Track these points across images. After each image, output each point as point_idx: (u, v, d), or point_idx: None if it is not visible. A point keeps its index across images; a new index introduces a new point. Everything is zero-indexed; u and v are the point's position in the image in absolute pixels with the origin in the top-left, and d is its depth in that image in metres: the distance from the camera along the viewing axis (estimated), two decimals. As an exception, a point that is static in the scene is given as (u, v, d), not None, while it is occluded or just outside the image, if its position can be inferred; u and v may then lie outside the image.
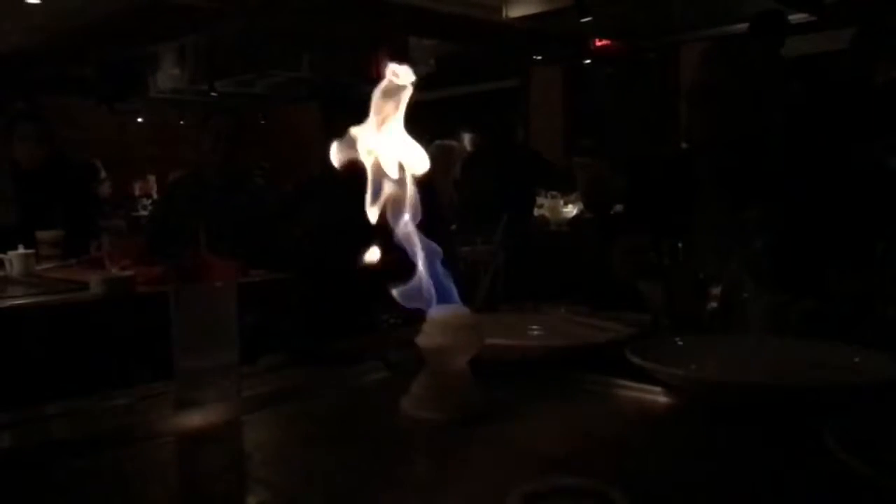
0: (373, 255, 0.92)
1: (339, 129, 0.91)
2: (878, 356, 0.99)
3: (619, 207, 4.19)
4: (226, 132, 3.32)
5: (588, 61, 7.17)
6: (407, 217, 0.92)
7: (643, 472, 0.78)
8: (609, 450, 0.87)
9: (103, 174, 7.20)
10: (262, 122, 9.01)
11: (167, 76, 7.68)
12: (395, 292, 0.93)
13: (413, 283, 0.93)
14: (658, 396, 1.00)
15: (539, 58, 7.43)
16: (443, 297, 0.93)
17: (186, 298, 1.00)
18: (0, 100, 6.28)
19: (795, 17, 4.49)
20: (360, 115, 0.92)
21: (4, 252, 2.85)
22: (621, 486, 0.66)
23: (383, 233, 0.91)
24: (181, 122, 8.67)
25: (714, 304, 1.28)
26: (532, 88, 7.83)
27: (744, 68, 1.89)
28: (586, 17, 4.88)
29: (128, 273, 2.46)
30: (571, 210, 5.39)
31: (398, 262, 0.91)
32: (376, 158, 0.91)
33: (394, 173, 0.91)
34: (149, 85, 7.79)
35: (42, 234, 3.15)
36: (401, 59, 0.94)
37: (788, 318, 1.23)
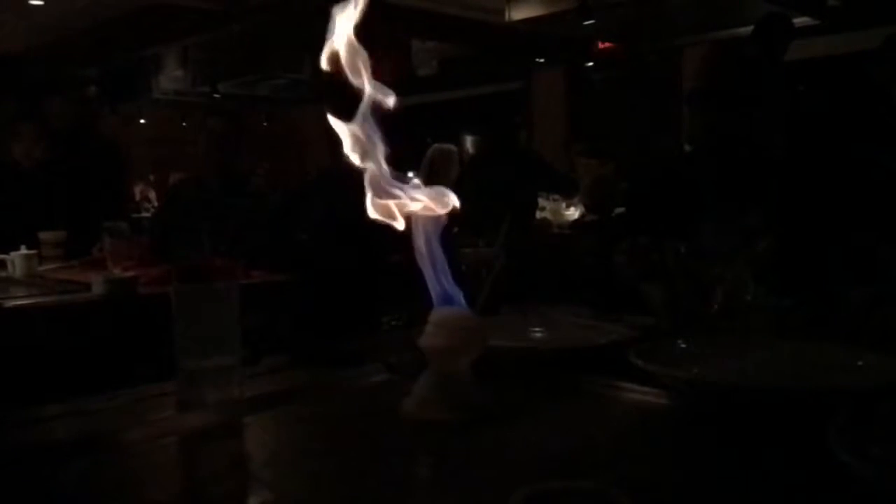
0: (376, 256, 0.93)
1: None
2: (881, 358, 0.99)
3: (620, 209, 4.19)
4: (221, 134, 3.33)
5: (590, 64, 7.18)
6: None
7: (645, 473, 0.78)
8: (611, 452, 0.86)
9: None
10: (265, 124, 9.03)
11: (170, 78, 7.71)
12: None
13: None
14: (660, 399, 0.99)
15: (541, 60, 7.44)
16: (446, 299, 0.93)
17: (188, 299, 1.00)
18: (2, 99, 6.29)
19: (798, 21, 4.49)
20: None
21: (7, 252, 2.85)
22: (623, 487, 0.66)
23: (386, 234, 0.91)
24: (183, 124, 8.69)
25: (717, 307, 1.28)
26: (534, 91, 7.83)
27: (744, 72, 1.89)
28: (589, 20, 4.89)
29: (130, 274, 2.47)
30: (573, 213, 5.39)
31: (402, 263, 0.91)
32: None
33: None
34: (151, 86, 7.81)
35: (45, 235, 3.16)
36: (404, 61, 0.93)
37: (791, 321, 1.23)
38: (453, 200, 0.90)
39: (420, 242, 0.92)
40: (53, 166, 3.61)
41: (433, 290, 0.93)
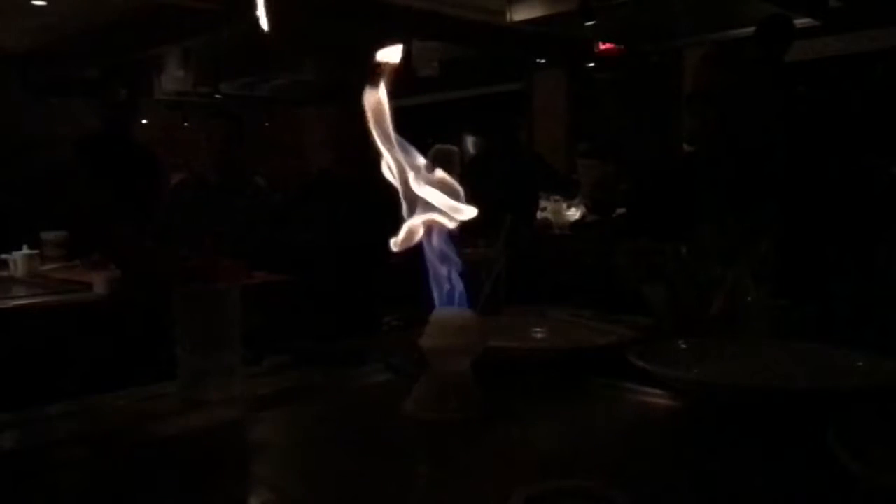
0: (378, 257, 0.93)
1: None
2: (880, 360, 0.99)
3: (621, 210, 4.19)
4: (220, 134, 3.33)
5: (592, 65, 7.18)
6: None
7: (645, 474, 0.78)
8: (611, 452, 0.86)
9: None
10: (266, 124, 9.02)
11: (172, 78, 7.70)
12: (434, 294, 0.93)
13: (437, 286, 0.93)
14: (660, 399, 1.00)
15: (543, 61, 7.43)
16: (451, 299, 0.94)
17: (190, 299, 1.00)
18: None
19: (799, 22, 4.49)
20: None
21: (9, 252, 2.85)
22: (623, 487, 0.66)
23: (390, 234, 0.91)
24: (185, 125, 8.69)
25: (717, 308, 1.28)
26: (535, 92, 7.83)
27: (744, 73, 1.89)
28: (590, 20, 4.88)
29: (131, 274, 2.46)
30: (574, 213, 5.39)
31: (405, 263, 0.92)
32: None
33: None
34: (153, 87, 7.81)
35: (47, 235, 3.16)
36: (404, 62, 0.94)
37: (791, 322, 1.23)
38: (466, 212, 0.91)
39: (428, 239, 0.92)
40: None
41: (437, 287, 0.93)
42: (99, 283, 2.38)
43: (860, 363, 1.01)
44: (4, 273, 2.82)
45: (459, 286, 0.94)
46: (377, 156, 0.90)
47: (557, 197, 5.41)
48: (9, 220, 3.14)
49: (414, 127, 0.94)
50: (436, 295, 0.94)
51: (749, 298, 1.26)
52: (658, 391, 1.00)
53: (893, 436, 0.76)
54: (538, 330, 1.34)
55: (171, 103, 8.09)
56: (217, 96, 7.29)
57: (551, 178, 5.06)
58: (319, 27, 5.92)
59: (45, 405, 1.00)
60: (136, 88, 4.21)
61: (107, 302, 2.33)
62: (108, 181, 1.26)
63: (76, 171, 1.28)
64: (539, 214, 5.23)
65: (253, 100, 7.98)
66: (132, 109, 3.88)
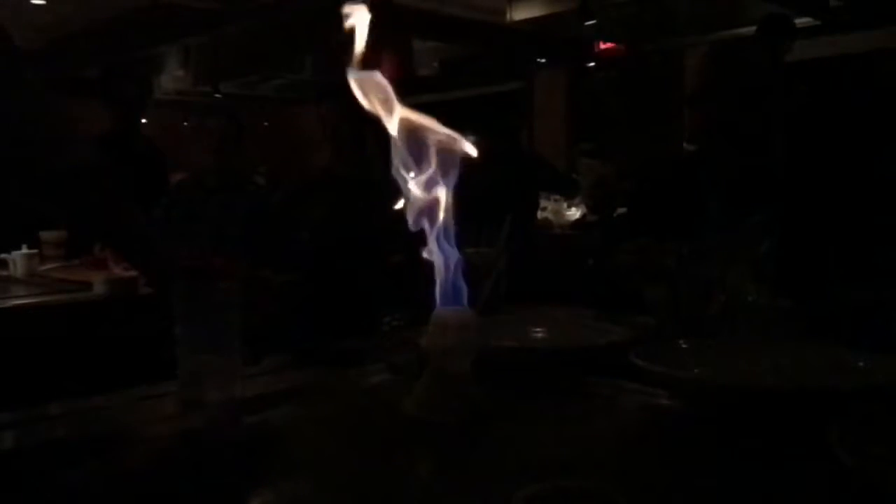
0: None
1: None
2: (881, 360, 0.99)
3: (622, 210, 4.18)
4: (220, 133, 3.32)
5: (592, 64, 7.18)
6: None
7: (646, 474, 0.78)
8: (612, 452, 0.86)
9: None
10: (266, 124, 9.03)
11: (171, 78, 7.71)
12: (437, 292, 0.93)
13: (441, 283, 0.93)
14: (661, 399, 0.99)
15: (543, 61, 7.43)
16: (452, 299, 0.94)
17: (189, 299, 1.00)
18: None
19: (800, 22, 4.49)
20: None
21: (8, 252, 2.85)
22: (624, 488, 0.66)
23: (390, 233, 0.91)
24: (184, 124, 8.68)
25: (718, 308, 1.28)
26: (536, 91, 7.82)
27: (744, 72, 1.89)
28: (590, 20, 4.89)
29: (131, 274, 2.46)
30: (575, 213, 5.38)
31: (405, 263, 0.92)
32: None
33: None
34: (153, 87, 7.82)
35: (46, 235, 3.15)
36: (405, 61, 0.94)
37: (792, 322, 1.23)
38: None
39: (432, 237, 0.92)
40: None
41: (438, 286, 0.93)
42: (98, 282, 2.37)
43: (860, 363, 1.01)
44: (4, 273, 2.82)
45: (460, 285, 0.94)
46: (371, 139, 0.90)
47: (557, 197, 5.40)
48: (8, 220, 3.14)
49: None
50: (436, 294, 0.94)
51: (749, 298, 1.26)
52: (658, 391, 1.00)
53: (893, 436, 0.76)
54: (538, 330, 1.33)
55: (171, 102, 8.09)
56: (217, 96, 7.30)
57: (551, 177, 5.05)
58: (320, 26, 5.92)
59: (45, 405, 1.00)
60: (144, 85, 4.20)
61: (105, 301, 2.33)
62: (120, 178, 1.27)
63: (99, 169, 1.28)
64: (539, 214, 5.22)
65: (253, 99, 7.98)
66: (141, 106, 3.87)
